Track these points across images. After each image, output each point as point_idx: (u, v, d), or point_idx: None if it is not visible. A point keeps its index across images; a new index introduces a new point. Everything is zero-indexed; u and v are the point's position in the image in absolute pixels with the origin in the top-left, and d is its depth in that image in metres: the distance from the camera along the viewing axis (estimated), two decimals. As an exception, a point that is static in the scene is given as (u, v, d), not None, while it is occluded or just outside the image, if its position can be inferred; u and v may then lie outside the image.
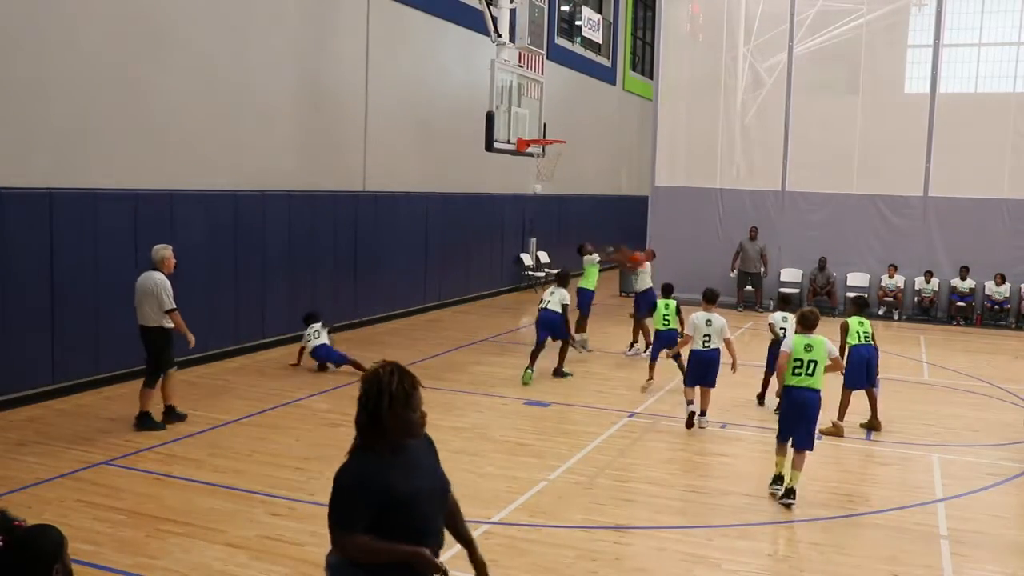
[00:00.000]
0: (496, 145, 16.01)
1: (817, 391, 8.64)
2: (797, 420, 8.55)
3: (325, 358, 13.26)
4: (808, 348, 8.63)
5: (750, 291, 21.81)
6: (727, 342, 11.08)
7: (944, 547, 7.55)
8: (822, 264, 21.38)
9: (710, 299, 11.26)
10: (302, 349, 13.38)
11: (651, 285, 15.49)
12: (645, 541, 7.48)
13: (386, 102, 17.77)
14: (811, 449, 8.58)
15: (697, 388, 11.06)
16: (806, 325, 8.81)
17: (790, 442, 8.60)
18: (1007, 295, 20.28)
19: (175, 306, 10.12)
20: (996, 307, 20.41)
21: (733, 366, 11.05)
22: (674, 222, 23.22)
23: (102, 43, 11.71)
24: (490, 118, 15.70)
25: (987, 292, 20.52)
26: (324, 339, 13.37)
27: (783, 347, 8.85)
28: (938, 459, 10.10)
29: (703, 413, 11.06)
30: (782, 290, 18.22)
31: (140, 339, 10.32)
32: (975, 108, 21.33)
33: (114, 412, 10.72)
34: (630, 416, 11.41)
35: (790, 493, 8.41)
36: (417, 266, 19.20)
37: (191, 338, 10.23)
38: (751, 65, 23.16)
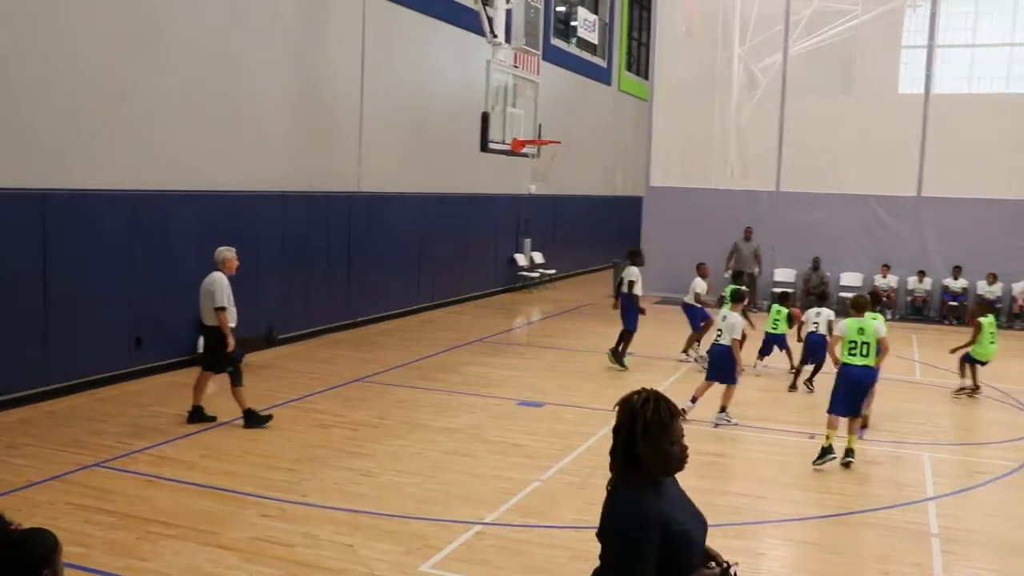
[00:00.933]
0: (491, 146, 16.02)
1: (871, 369, 9.75)
2: (852, 394, 9.64)
3: None
4: (860, 331, 9.66)
5: (746, 291, 21.77)
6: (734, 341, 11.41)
7: (935, 545, 7.57)
8: (816, 264, 21.42)
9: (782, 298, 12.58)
10: None
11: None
12: (637, 541, 7.47)
13: (381, 103, 17.77)
14: (859, 415, 9.82)
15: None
16: (858, 309, 9.95)
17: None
18: (999, 295, 20.33)
19: (224, 305, 10.27)
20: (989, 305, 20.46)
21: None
22: (669, 222, 23.26)
23: (96, 45, 11.69)
24: (485, 119, 15.71)
25: (979, 292, 20.55)
26: None
27: (836, 331, 10.14)
28: (929, 458, 10.12)
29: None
30: (775, 289, 18.23)
31: (203, 337, 10.64)
32: (969, 108, 21.37)
33: (105, 414, 10.70)
34: (623, 416, 11.38)
35: (850, 452, 9.59)
36: (411, 267, 19.20)
37: (231, 341, 10.33)
38: (746, 66, 23.20)
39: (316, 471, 8.95)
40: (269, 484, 8.52)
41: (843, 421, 9.71)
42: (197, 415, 10.53)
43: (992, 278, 20.35)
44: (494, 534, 7.52)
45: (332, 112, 16.56)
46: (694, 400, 11.31)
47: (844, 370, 9.69)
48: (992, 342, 12.96)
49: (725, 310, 11.94)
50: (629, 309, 14.23)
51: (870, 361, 9.64)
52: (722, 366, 11.27)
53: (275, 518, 7.70)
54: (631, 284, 14.12)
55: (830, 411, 9.71)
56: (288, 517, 7.71)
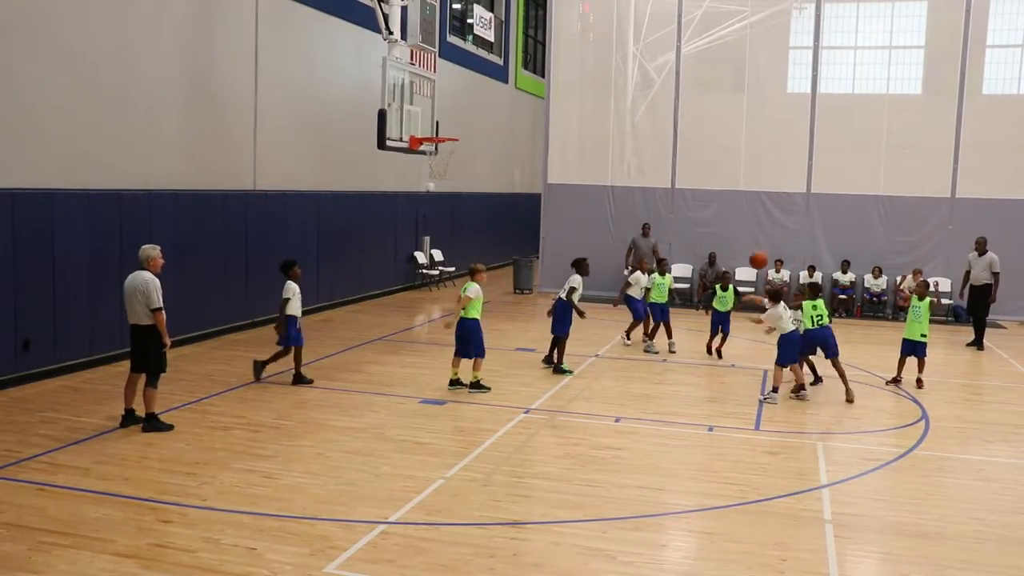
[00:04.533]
0: (388, 143, 15.91)
1: (830, 328, 13.00)
2: (811, 347, 13.10)
3: None
4: (815, 308, 12.88)
5: (648, 289, 22.12)
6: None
7: (828, 531, 7.83)
8: (712, 259, 21.93)
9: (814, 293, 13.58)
10: None
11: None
12: (542, 536, 7.55)
13: (276, 99, 17.48)
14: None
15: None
16: (815, 293, 13.18)
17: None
18: (884, 287, 21.18)
19: (162, 306, 10.11)
20: (874, 299, 21.34)
21: None
22: (567, 219, 23.56)
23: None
24: (382, 116, 15.60)
25: (866, 285, 21.42)
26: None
27: (796, 324, 12.96)
28: (823, 447, 10.47)
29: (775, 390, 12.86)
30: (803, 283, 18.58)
31: (132, 339, 10.29)
32: (852, 108, 22.17)
33: (-8, 421, 10.28)
34: (525, 412, 11.49)
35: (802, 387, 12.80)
36: (310, 265, 18.86)
37: (167, 341, 10.24)
38: (640, 64, 23.57)
39: (216, 474, 8.77)
40: (168, 488, 8.32)
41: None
42: (129, 419, 10.26)
43: (877, 272, 21.17)
44: (399, 533, 7.49)
45: (225, 109, 16.22)
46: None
47: (808, 334, 12.96)
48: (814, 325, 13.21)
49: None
50: (564, 316, 14.13)
51: (826, 323, 13.03)
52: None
53: (175, 523, 7.52)
54: (571, 291, 14.08)
55: (779, 363, 12.69)
56: (188, 522, 7.54)
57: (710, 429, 11.10)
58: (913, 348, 13.81)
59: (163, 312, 10.15)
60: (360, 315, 19.47)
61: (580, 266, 14.49)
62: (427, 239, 24.73)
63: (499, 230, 30.47)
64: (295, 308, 12.61)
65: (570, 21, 24.33)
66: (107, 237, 13.21)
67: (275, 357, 12.75)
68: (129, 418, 10.28)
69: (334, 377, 13.26)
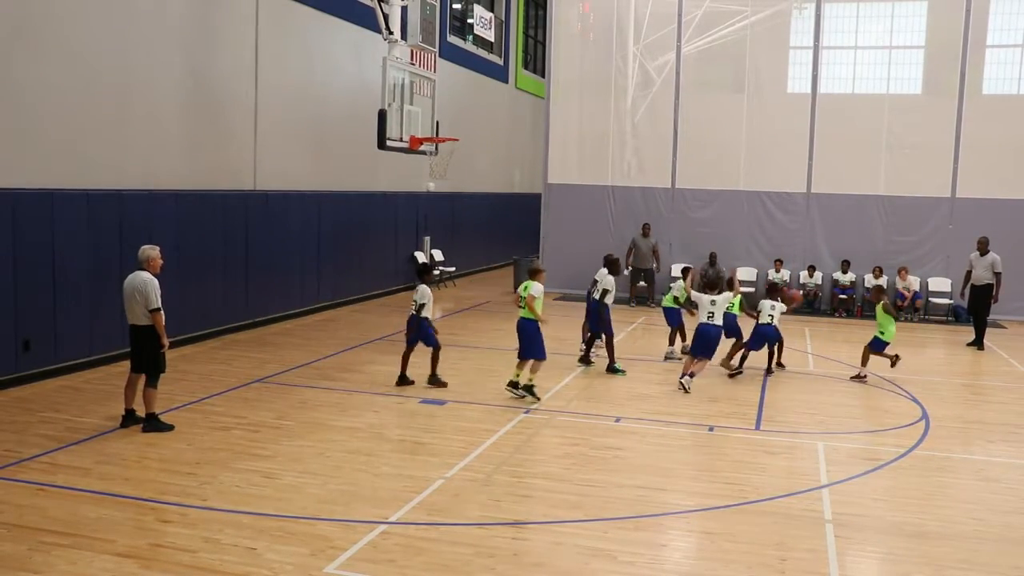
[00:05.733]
0: (389, 143, 15.89)
1: (719, 327, 13.16)
2: (705, 346, 13.19)
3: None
4: (713, 303, 13.04)
5: (643, 286, 22.19)
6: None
7: (828, 531, 7.83)
8: (712, 259, 21.92)
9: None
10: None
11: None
12: (542, 536, 7.54)
13: (276, 100, 17.49)
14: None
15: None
16: (712, 287, 13.54)
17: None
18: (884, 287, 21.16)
19: (160, 306, 10.12)
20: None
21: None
22: (567, 219, 23.57)
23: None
24: (382, 116, 15.59)
25: (866, 285, 21.39)
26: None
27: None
28: (823, 447, 10.46)
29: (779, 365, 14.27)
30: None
31: (131, 340, 10.30)
32: (852, 108, 22.18)
33: (-8, 421, 10.29)
34: (526, 412, 11.49)
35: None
36: (310, 265, 18.95)
37: (166, 342, 10.26)
38: (640, 64, 23.57)
39: (216, 474, 8.77)
40: (168, 489, 8.32)
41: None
42: (130, 419, 10.27)
43: (878, 271, 21.16)
44: (399, 533, 7.48)
45: (226, 109, 16.22)
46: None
47: (699, 329, 13.24)
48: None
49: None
50: (599, 315, 14.12)
51: (717, 322, 13.19)
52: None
53: (175, 523, 7.52)
54: (604, 293, 14.10)
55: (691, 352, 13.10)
56: (188, 522, 7.54)
57: (710, 429, 11.10)
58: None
59: (161, 313, 10.14)
60: (361, 315, 19.47)
61: (613, 266, 14.47)
62: (427, 239, 24.73)
63: (499, 230, 30.48)
64: (429, 310, 12.80)
65: (570, 21, 24.34)
66: (107, 237, 13.22)
67: (434, 362, 12.87)
68: (129, 418, 10.28)
69: (334, 377, 13.26)
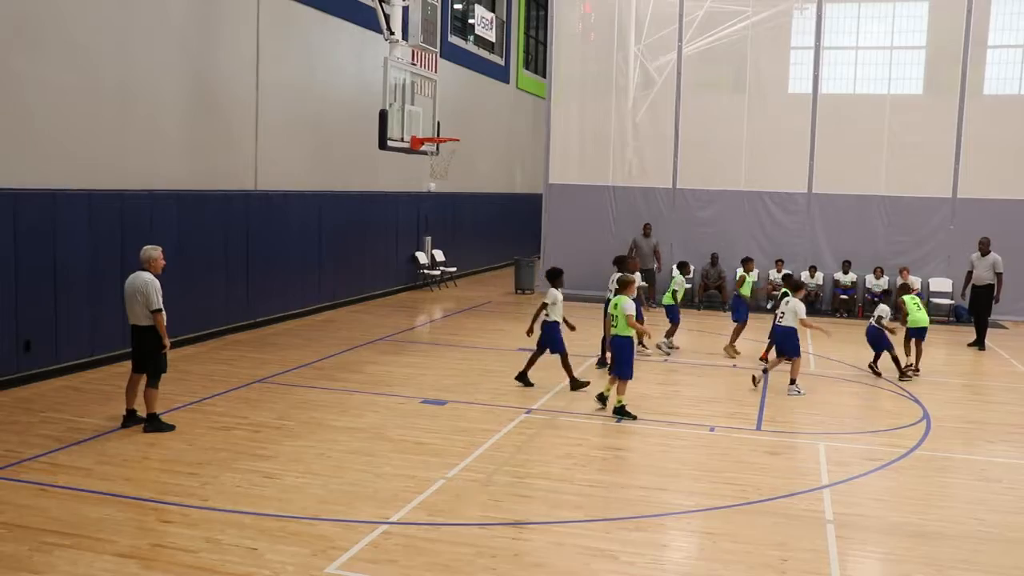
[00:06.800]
0: (390, 143, 15.90)
1: (623, 336, 11.42)
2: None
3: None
4: (615, 306, 11.46)
5: (644, 286, 22.13)
6: (802, 321, 13.30)
7: (830, 531, 7.83)
8: (714, 260, 21.93)
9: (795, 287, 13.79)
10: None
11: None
12: (543, 536, 7.54)
13: (278, 100, 17.49)
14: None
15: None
16: (622, 287, 11.74)
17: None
18: (885, 287, 21.12)
19: (161, 307, 10.14)
20: (876, 299, 21.19)
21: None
22: (568, 219, 23.57)
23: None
24: (383, 116, 15.59)
25: (867, 285, 21.40)
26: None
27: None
28: (824, 447, 10.46)
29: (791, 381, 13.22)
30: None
31: (132, 340, 10.32)
32: (854, 108, 22.17)
33: (-7, 421, 10.29)
34: (527, 413, 11.49)
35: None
36: (311, 266, 18.96)
37: (167, 342, 10.29)
38: (642, 64, 23.58)
39: (218, 474, 8.77)
40: (169, 489, 8.32)
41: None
42: (131, 419, 10.28)
43: (879, 272, 21.16)
44: (400, 533, 7.48)
45: (227, 110, 16.23)
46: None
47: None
48: (919, 308, 14.86)
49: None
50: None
51: (619, 331, 11.47)
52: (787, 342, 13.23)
53: (176, 523, 7.52)
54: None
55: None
56: (190, 522, 7.54)
57: (711, 429, 11.10)
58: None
59: (163, 313, 10.15)
60: (362, 315, 19.47)
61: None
62: (428, 239, 24.74)
63: (500, 230, 30.48)
64: (558, 314, 12.83)
65: (571, 21, 24.34)
66: (108, 238, 13.22)
67: (566, 369, 12.90)
68: (131, 418, 10.29)
69: (335, 377, 13.26)
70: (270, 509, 7.89)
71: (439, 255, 25.08)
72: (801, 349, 13.57)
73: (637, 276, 14.14)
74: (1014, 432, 11.63)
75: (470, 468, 9.23)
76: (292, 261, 18.12)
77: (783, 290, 14.68)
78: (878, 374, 14.52)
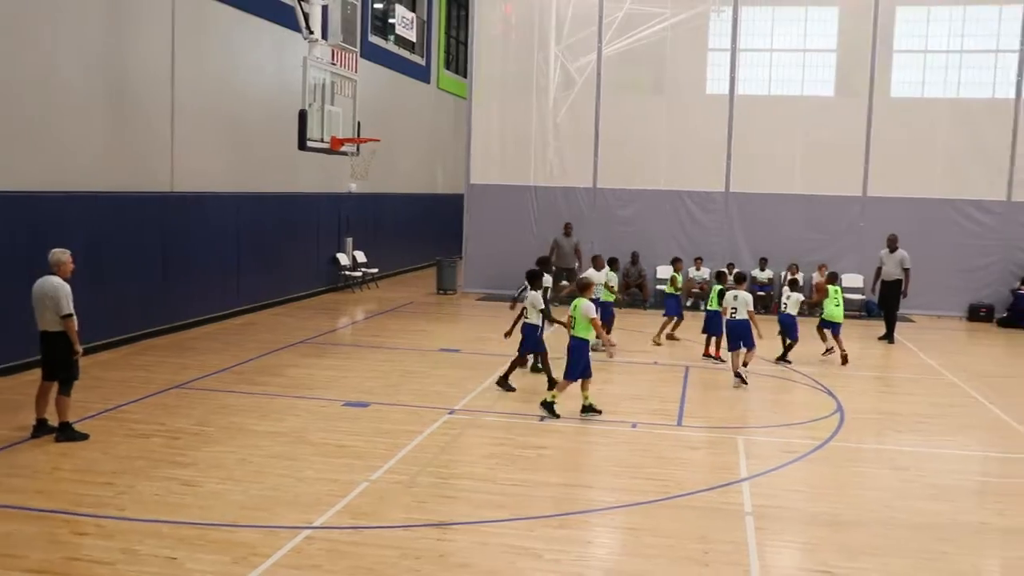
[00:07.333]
0: (310, 144, 15.75)
1: (580, 338, 11.43)
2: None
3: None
4: (575, 308, 11.44)
5: (565, 286, 22.30)
6: (750, 314, 13.72)
7: (749, 523, 8.00)
8: (635, 258, 22.19)
9: (739, 280, 14.40)
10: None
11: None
12: (468, 536, 7.56)
13: (195, 100, 17.16)
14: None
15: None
16: (581, 290, 11.76)
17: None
18: (801, 284, 21.60)
19: (72, 312, 9.85)
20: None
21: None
22: (490, 219, 23.66)
23: None
24: (303, 116, 15.44)
25: (783, 282, 21.82)
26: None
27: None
28: (743, 441, 10.68)
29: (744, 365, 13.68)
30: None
31: (42, 346, 10.01)
32: (769, 109, 22.64)
33: None
34: (450, 413, 11.48)
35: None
36: (230, 268, 18.65)
37: (79, 348, 10.01)
38: (562, 65, 23.75)
39: (134, 483, 8.58)
40: (83, 500, 8.11)
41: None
42: (42, 428, 9.98)
43: (794, 269, 21.62)
44: (323, 538, 7.42)
45: (142, 109, 15.86)
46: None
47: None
48: (837, 305, 15.93)
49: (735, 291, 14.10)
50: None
51: (576, 333, 11.54)
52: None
53: (91, 535, 7.33)
54: (546, 290, 14.34)
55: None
56: (105, 533, 7.36)
57: (633, 426, 11.23)
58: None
59: (74, 318, 9.89)
60: (282, 318, 19.24)
61: (544, 265, 14.80)
62: (350, 240, 24.54)
63: (422, 231, 30.38)
64: (536, 316, 12.83)
65: (492, 22, 24.38)
66: (18, 240, 12.82)
67: (511, 368, 13.03)
68: (41, 428, 9.99)
69: (256, 381, 13.07)
70: (189, 517, 7.75)
71: (360, 256, 24.90)
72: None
73: (547, 278, 14.24)
74: (922, 422, 12.04)
75: (393, 470, 9.19)
76: (211, 263, 17.80)
77: (717, 287, 15.43)
78: (788, 363, 15.24)
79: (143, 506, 7.99)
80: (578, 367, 11.44)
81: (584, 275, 13.27)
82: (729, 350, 14.05)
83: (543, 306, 12.85)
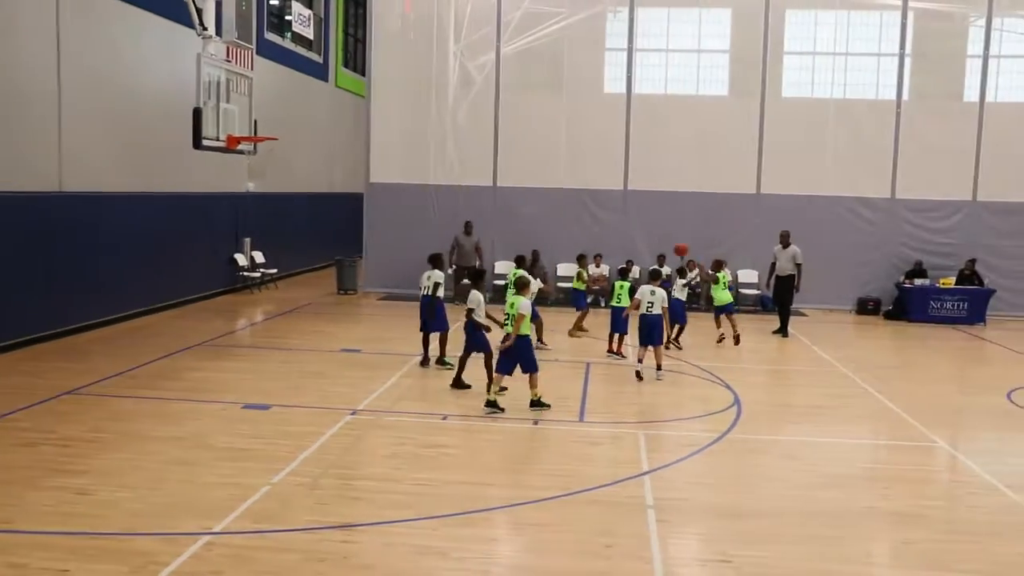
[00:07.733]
0: (205, 142, 15.37)
1: (523, 336, 11.78)
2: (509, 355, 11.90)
3: None
4: (511, 306, 11.78)
5: (466, 284, 22.33)
6: (664, 310, 14.08)
7: (651, 516, 8.15)
8: (535, 256, 22.29)
9: (655, 276, 14.82)
10: None
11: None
12: (372, 537, 7.52)
13: (83, 97, 16.61)
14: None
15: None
16: (519, 288, 12.01)
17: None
18: (697, 281, 22.06)
19: None
20: (690, 291, 22.17)
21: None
22: (390, 218, 23.55)
23: None
24: (197, 114, 15.07)
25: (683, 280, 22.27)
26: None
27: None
28: (644, 435, 10.87)
29: (658, 367, 14.05)
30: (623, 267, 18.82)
31: None
32: (665, 108, 23.07)
33: None
34: (352, 414, 11.39)
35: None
36: (123, 270, 18.11)
37: None
38: (461, 64, 23.78)
39: (22, 494, 8.28)
40: (-33, 512, 7.80)
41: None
42: None
43: (692, 265, 22.03)
44: (224, 543, 7.29)
45: (25, 105, 15.27)
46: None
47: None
48: (725, 288, 17.48)
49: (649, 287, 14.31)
50: (432, 310, 14.44)
51: (516, 330, 11.77)
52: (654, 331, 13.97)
53: (-24, 549, 7.06)
54: (436, 286, 14.49)
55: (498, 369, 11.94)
56: (-8, 546, 7.10)
57: (535, 423, 11.32)
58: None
59: None
60: (179, 320, 18.79)
61: (436, 261, 14.90)
62: (248, 240, 24.10)
63: (322, 230, 30.04)
64: (481, 316, 12.79)
65: (390, 20, 24.25)
66: None
67: (460, 364, 13.07)
68: None
69: (153, 385, 12.75)
70: (82, 527, 7.52)
71: (259, 257, 24.48)
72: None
73: (442, 275, 14.64)
74: (814, 413, 12.46)
75: (296, 472, 9.08)
76: (103, 265, 17.26)
77: (620, 283, 15.82)
78: (679, 347, 16.39)
79: (32, 517, 7.71)
80: (534, 358, 11.95)
81: (521, 273, 13.41)
82: (640, 344, 14.23)
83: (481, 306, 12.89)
